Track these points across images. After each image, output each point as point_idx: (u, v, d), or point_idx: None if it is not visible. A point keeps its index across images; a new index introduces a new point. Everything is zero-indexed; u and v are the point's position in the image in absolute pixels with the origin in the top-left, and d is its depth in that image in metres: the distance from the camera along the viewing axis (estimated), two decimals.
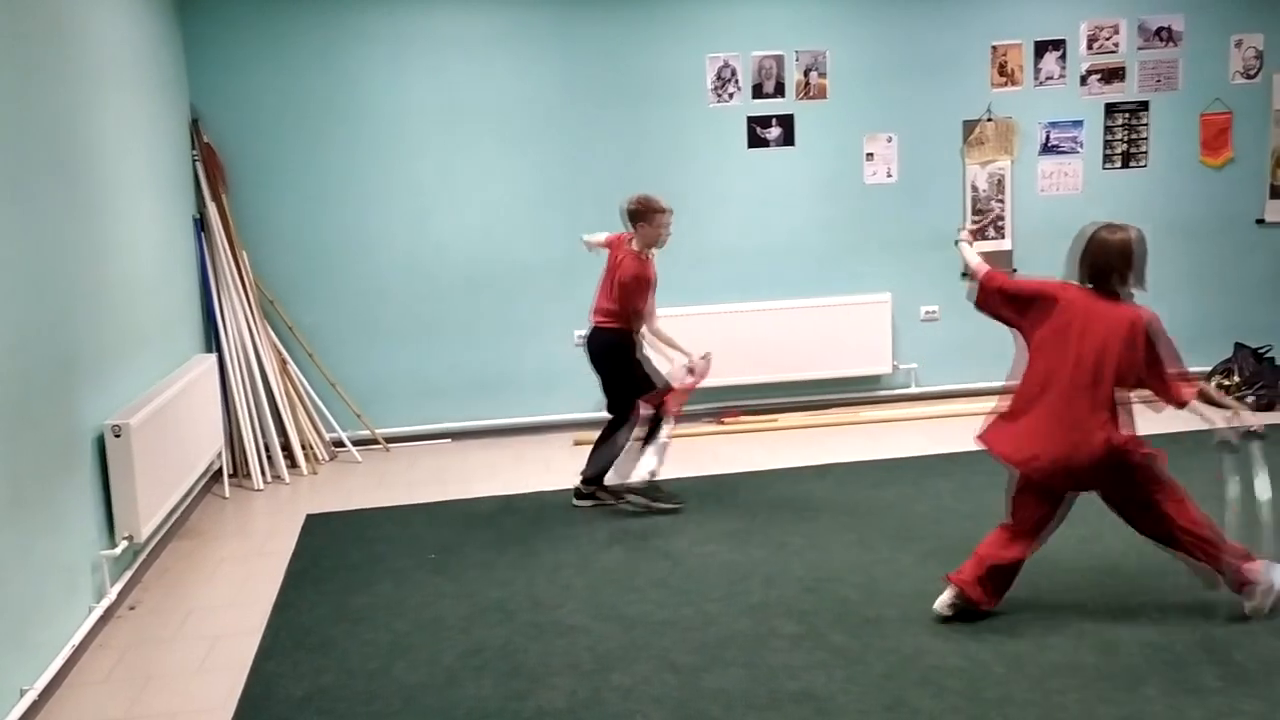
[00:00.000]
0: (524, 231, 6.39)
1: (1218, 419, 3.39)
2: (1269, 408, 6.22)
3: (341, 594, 4.16)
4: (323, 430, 6.13)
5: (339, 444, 6.19)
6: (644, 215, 4.78)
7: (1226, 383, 6.34)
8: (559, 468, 5.77)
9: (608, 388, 4.98)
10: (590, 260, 6.38)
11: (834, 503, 4.97)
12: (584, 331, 5.09)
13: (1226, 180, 6.81)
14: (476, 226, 6.35)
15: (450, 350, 6.42)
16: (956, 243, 4.07)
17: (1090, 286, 3.54)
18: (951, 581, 3.64)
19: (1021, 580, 3.92)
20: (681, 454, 5.46)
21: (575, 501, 5.10)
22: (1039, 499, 3.58)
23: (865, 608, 3.80)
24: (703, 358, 4.90)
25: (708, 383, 6.47)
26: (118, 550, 4.03)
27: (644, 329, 4.84)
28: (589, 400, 6.58)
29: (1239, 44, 6.66)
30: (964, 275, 3.73)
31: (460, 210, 6.33)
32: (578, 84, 6.34)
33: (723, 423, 6.42)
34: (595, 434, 6.28)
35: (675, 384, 4.90)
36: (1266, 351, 6.43)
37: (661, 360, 4.93)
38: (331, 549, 4.68)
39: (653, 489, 4.94)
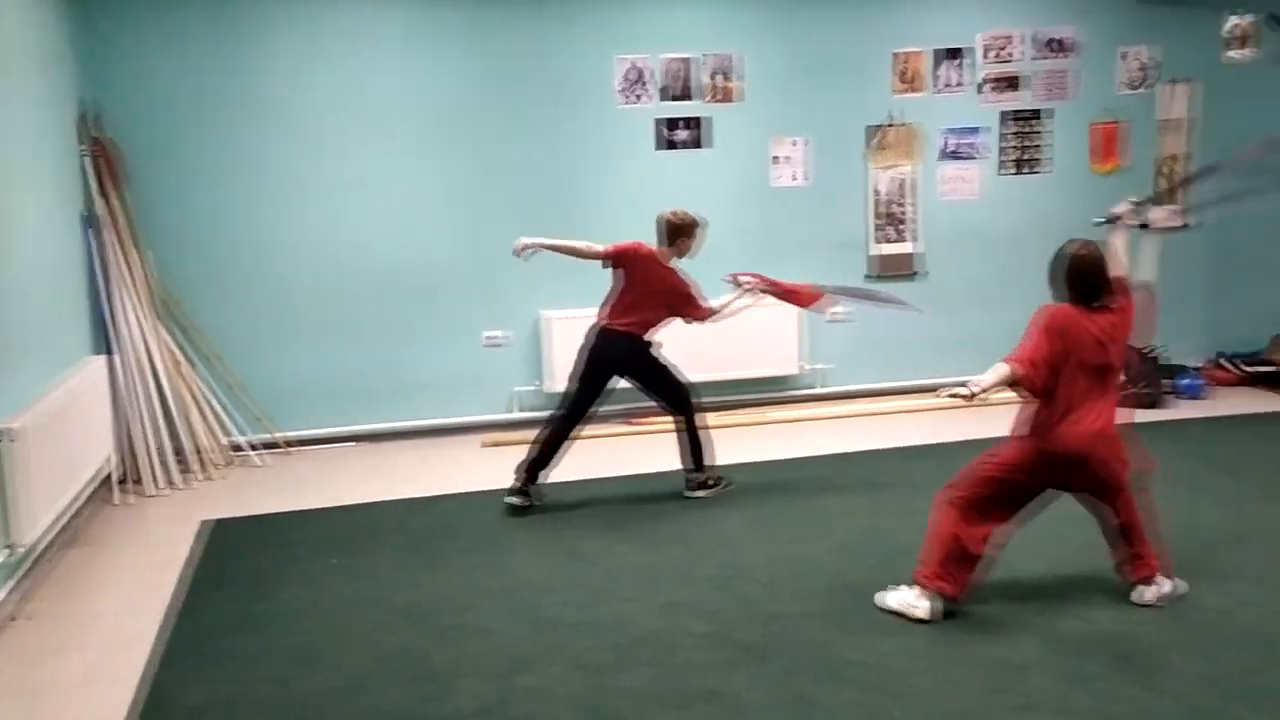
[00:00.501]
0: (433, 231, 6.33)
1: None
2: (1152, 406, 6.49)
3: (242, 601, 4.06)
4: (219, 434, 5.96)
5: (238, 448, 6.03)
6: (689, 230, 4.96)
7: None
8: (471, 469, 5.73)
9: (657, 388, 5.09)
10: (502, 260, 6.35)
11: (742, 502, 5.03)
12: (596, 335, 5.03)
13: (1115, 187, 7.06)
14: (385, 226, 6.27)
15: (358, 352, 6.32)
16: (973, 396, 3.51)
17: (1077, 301, 3.61)
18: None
19: None
20: (591, 455, 5.47)
21: (510, 499, 4.98)
22: (1024, 497, 3.67)
23: (772, 605, 3.85)
24: (731, 280, 5.17)
25: (620, 383, 6.54)
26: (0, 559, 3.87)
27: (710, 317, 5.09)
28: (500, 401, 6.56)
29: (1125, 56, 6.94)
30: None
31: (369, 210, 6.23)
32: (488, 83, 6.30)
33: (631, 424, 6.44)
34: (508, 434, 6.29)
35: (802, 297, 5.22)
36: (1152, 351, 6.71)
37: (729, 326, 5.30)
38: (232, 555, 4.56)
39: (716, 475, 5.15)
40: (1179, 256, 7.25)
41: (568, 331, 6.41)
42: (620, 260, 4.97)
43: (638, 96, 6.50)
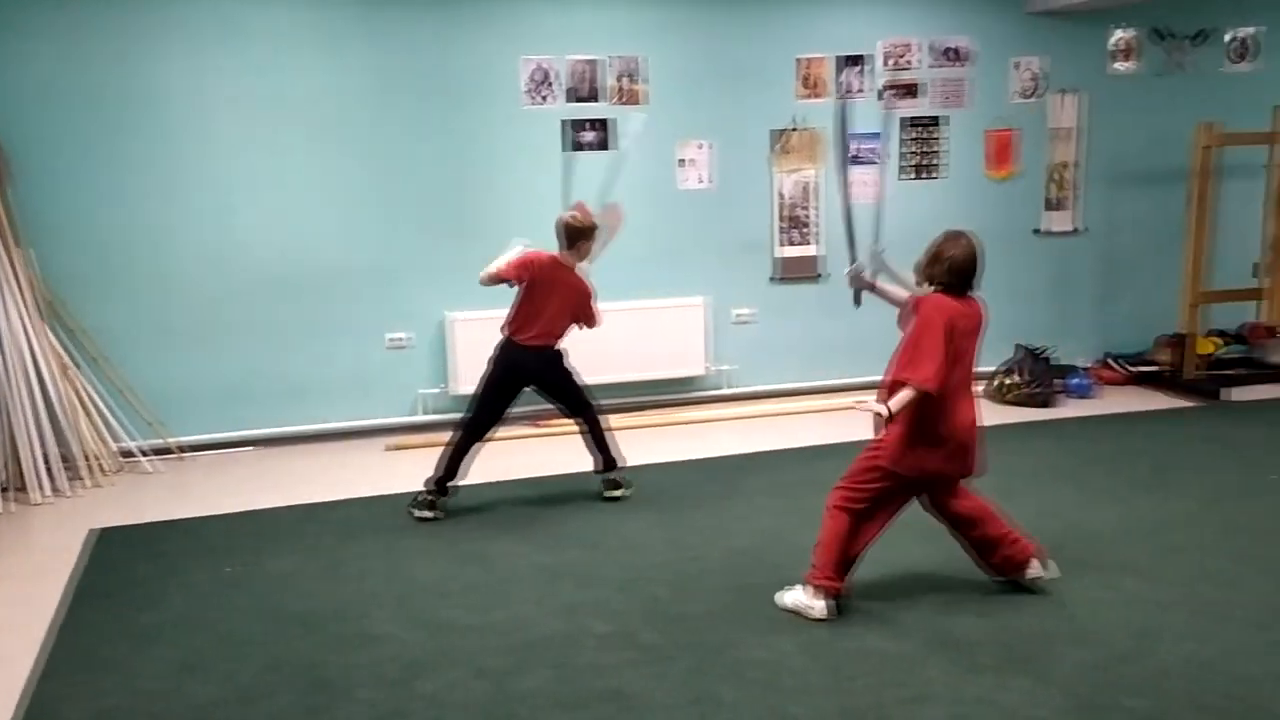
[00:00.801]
0: (333, 231, 6.22)
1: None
2: (1044, 405, 6.70)
3: (130, 611, 3.92)
4: (109, 439, 5.76)
5: (128, 454, 5.83)
6: (589, 233, 4.90)
7: (1009, 381, 6.79)
8: (371, 474, 5.63)
9: (561, 395, 5.04)
10: (405, 260, 6.29)
11: (647, 503, 5.04)
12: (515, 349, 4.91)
13: (1008, 193, 7.30)
14: (283, 225, 6.13)
15: (255, 354, 6.17)
16: (889, 419, 3.60)
17: (947, 290, 3.68)
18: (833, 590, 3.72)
19: None
20: (496, 458, 5.42)
21: (423, 514, 4.88)
22: (903, 495, 3.76)
23: (674, 605, 3.87)
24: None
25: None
26: None
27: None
28: (404, 404, 6.47)
29: (1018, 66, 7.16)
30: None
31: (266, 208, 6.09)
32: (389, 81, 6.21)
33: (538, 426, 6.41)
34: (412, 437, 6.21)
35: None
36: (1043, 352, 6.93)
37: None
38: (120, 564, 4.41)
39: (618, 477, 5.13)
40: (1070, 262, 7.52)
41: (473, 333, 6.36)
42: (524, 273, 4.88)
43: (544, 98, 6.47)
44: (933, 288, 3.71)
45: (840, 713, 3.10)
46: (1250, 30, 7.42)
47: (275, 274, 6.13)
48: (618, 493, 5.10)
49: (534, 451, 5.98)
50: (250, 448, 6.17)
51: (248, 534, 4.76)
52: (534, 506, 5.04)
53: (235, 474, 5.74)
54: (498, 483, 5.38)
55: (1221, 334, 7.48)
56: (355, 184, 6.23)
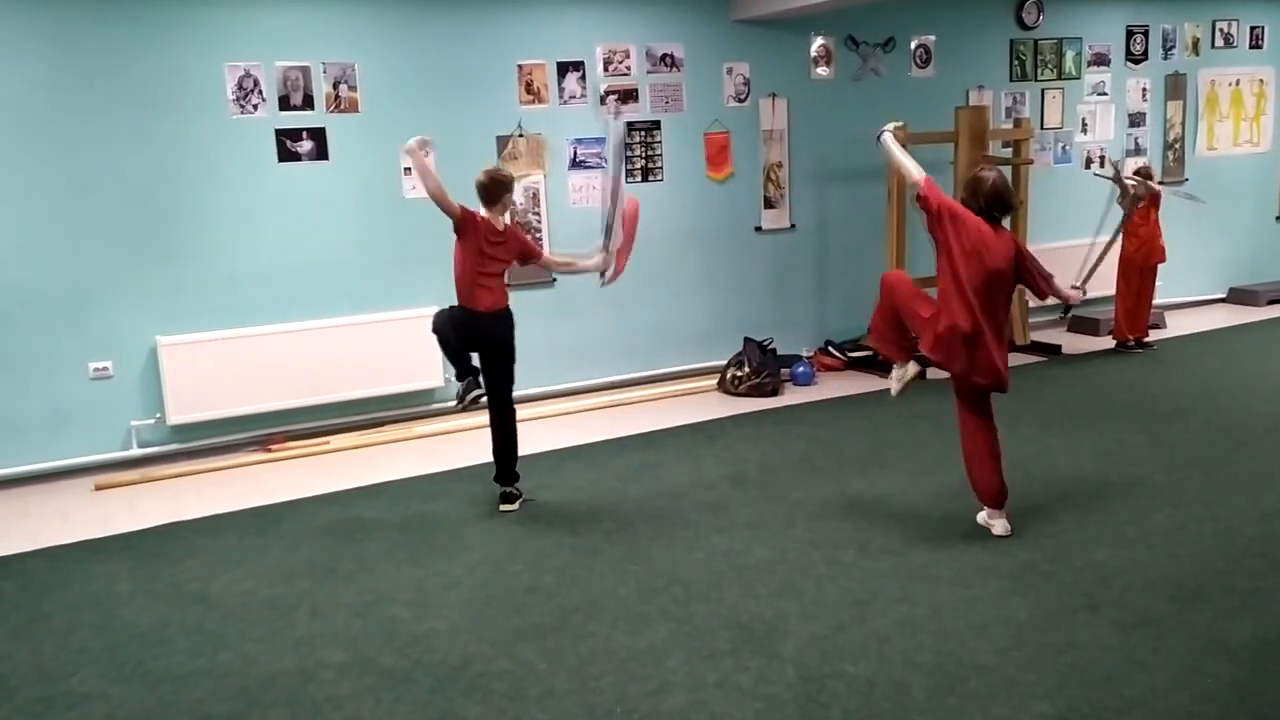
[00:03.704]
0: (16, 254, 5.63)
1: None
2: (773, 394, 7.04)
3: None
4: None
5: None
6: (508, 184, 5.01)
7: (739, 373, 7.09)
8: (77, 516, 5.15)
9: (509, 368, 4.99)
10: (107, 282, 5.80)
11: (385, 522, 4.88)
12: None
13: (728, 193, 7.62)
14: None
15: None
16: (879, 137, 4.66)
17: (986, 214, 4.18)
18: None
19: (563, 575, 4.12)
20: (218, 487, 5.10)
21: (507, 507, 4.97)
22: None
23: (415, 624, 3.76)
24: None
25: (252, 409, 6.15)
26: None
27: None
28: (115, 438, 5.96)
29: (730, 71, 7.49)
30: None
31: None
32: (79, 89, 5.68)
33: (269, 450, 6.09)
34: (126, 473, 5.75)
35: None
36: (769, 344, 7.28)
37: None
38: None
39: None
40: (787, 257, 7.94)
41: (188, 358, 5.96)
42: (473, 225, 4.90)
43: (255, 106, 6.14)
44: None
45: (586, 712, 3.12)
46: (931, 38, 8.12)
47: None
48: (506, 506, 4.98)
49: (264, 478, 5.66)
50: None
51: None
52: (263, 536, 4.76)
53: None
54: (220, 515, 5.05)
55: None
56: (42, 200, 5.66)
